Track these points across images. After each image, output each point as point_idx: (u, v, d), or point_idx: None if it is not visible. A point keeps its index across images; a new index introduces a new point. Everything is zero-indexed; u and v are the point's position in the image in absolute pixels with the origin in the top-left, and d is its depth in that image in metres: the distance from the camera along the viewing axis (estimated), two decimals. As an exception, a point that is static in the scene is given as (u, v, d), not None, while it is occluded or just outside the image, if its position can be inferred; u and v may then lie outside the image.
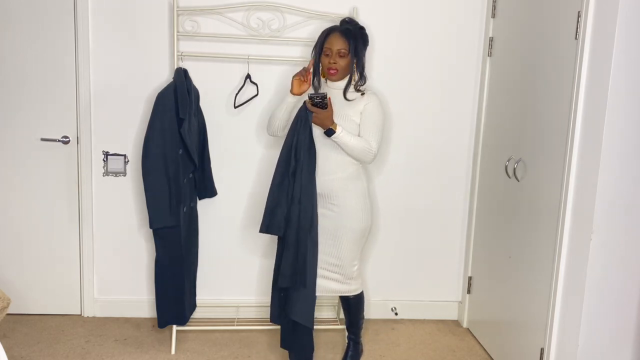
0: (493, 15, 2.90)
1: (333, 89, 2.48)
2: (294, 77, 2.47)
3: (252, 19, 2.86)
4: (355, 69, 2.46)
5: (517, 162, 2.56)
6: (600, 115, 1.99)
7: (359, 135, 2.42)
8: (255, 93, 2.88)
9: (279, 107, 2.53)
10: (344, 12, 2.84)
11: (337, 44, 2.40)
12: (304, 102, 2.40)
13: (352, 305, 2.64)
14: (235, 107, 2.89)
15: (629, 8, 1.91)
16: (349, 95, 2.45)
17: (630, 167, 2.00)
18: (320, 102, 2.33)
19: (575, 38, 2.11)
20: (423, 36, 2.98)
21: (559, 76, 2.23)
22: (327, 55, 2.43)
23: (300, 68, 2.86)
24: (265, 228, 2.49)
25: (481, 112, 3.00)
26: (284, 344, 2.60)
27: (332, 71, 2.43)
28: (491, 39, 2.93)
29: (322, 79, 2.53)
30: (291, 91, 2.47)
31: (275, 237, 3.06)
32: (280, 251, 2.53)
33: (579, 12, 2.09)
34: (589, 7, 2.03)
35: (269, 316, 3.06)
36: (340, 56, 2.41)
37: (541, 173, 2.37)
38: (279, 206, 2.45)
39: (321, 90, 2.50)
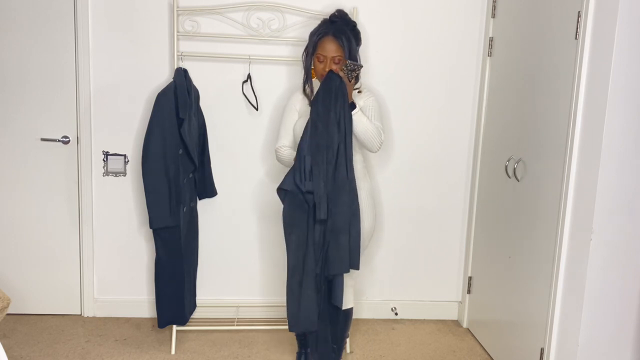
0: (493, 15, 2.90)
1: None
2: None
3: (252, 19, 2.86)
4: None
5: (517, 162, 2.56)
6: (600, 116, 1.99)
7: None
8: (255, 107, 2.90)
9: (291, 162, 2.38)
10: (344, 12, 2.84)
11: (331, 50, 2.32)
12: (331, 72, 2.28)
13: (342, 319, 2.50)
14: (243, 93, 2.89)
15: (629, 8, 1.91)
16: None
17: (630, 167, 2.00)
18: (351, 73, 2.27)
19: (575, 38, 2.11)
20: (423, 36, 2.98)
21: (559, 76, 2.23)
22: (321, 61, 2.35)
23: (301, 68, 2.87)
24: (329, 215, 2.27)
25: (481, 112, 3.00)
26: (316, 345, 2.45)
27: None
28: (491, 39, 2.93)
29: (314, 79, 2.46)
30: None
31: (279, 234, 3.07)
32: (317, 242, 2.30)
33: (579, 12, 2.09)
34: (589, 7, 2.03)
35: (269, 316, 3.09)
36: (336, 63, 2.33)
37: (541, 173, 2.37)
38: (323, 187, 2.25)
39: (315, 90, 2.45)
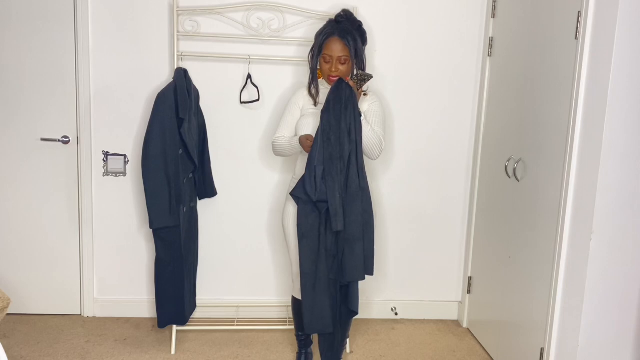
0: (493, 15, 2.90)
1: None
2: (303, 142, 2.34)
3: (252, 19, 2.86)
4: (355, 70, 2.41)
5: (517, 162, 2.56)
6: (600, 115, 1.99)
7: None
8: (257, 98, 2.88)
9: (289, 147, 2.42)
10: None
11: (337, 50, 2.33)
12: (341, 80, 2.29)
13: (344, 321, 2.52)
14: (241, 103, 2.89)
15: (629, 8, 1.91)
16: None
17: (630, 166, 2.00)
18: (361, 83, 2.29)
19: (575, 38, 2.11)
20: (423, 36, 2.98)
21: (559, 76, 2.23)
22: (327, 62, 2.36)
23: (301, 68, 2.87)
24: (342, 225, 2.29)
25: (481, 112, 3.00)
26: (327, 346, 2.49)
27: (333, 78, 2.35)
28: (491, 39, 2.93)
29: (319, 80, 2.46)
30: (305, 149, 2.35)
31: (279, 234, 3.07)
32: (329, 249, 2.33)
33: (579, 12, 2.09)
34: (589, 7, 2.03)
35: (269, 316, 3.09)
36: (342, 63, 2.34)
37: (541, 173, 2.37)
38: (339, 198, 2.27)
39: (322, 91, 2.46)
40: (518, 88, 2.60)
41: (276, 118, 2.92)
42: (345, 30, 2.34)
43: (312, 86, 2.46)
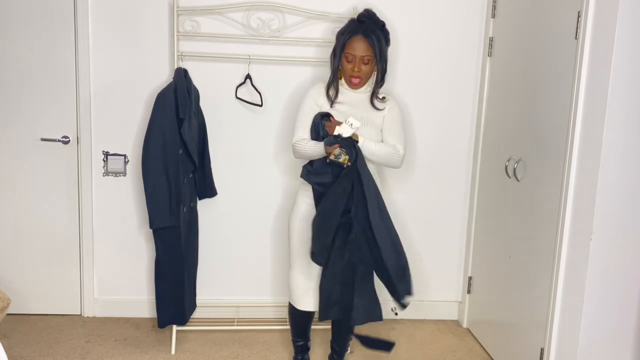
0: (493, 15, 2.90)
1: (354, 94, 2.36)
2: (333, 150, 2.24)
3: (252, 19, 2.86)
4: (377, 72, 2.33)
5: (517, 162, 2.56)
6: (600, 115, 1.99)
7: (382, 141, 2.33)
8: (259, 103, 2.86)
9: (314, 152, 2.30)
10: (344, 11, 2.84)
11: (361, 49, 2.25)
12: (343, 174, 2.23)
13: (348, 327, 2.51)
14: (236, 98, 2.87)
15: (629, 8, 1.91)
16: (376, 104, 2.35)
17: (630, 167, 2.00)
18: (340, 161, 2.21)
19: (575, 38, 2.11)
20: (423, 36, 2.98)
21: (559, 76, 2.23)
22: (350, 61, 2.29)
23: (301, 68, 2.87)
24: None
25: (481, 112, 3.00)
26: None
27: (355, 80, 2.30)
28: (491, 39, 2.93)
29: (340, 81, 2.38)
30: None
31: (279, 234, 3.07)
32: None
33: (579, 12, 2.09)
34: (589, 7, 2.03)
35: (269, 316, 3.09)
36: (365, 63, 2.28)
37: (541, 173, 2.37)
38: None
39: (341, 92, 2.37)
40: (518, 88, 2.60)
41: (275, 118, 2.93)
42: (370, 30, 2.27)
43: (332, 87, 2.37)
